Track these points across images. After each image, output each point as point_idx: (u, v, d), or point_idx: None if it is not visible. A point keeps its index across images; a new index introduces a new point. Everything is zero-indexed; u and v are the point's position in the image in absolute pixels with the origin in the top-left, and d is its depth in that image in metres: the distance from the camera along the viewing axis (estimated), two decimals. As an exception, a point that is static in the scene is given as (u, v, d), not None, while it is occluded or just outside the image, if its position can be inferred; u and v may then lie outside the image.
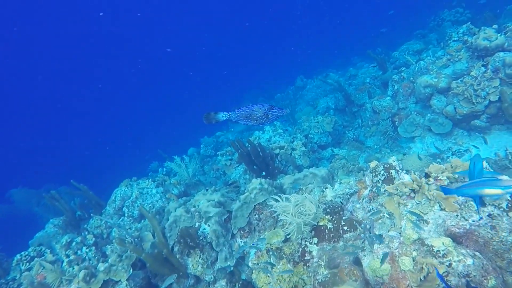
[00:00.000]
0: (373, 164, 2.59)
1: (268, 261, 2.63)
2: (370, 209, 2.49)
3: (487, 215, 1.88)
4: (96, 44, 24.06)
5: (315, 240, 2.55)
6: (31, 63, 22.53)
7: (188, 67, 24.36)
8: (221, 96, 18.53)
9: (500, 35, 4.06)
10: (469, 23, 4.89)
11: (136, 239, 3.21)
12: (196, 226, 3.18)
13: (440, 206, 2.09)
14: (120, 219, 4.09)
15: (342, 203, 2.81)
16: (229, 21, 26.46)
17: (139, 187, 4.35)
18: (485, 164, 2.10)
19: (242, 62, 22.84)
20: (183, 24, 28.56)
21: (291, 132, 5.78)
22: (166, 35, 27.51)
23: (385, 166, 2.48)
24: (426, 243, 1.93)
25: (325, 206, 2.72)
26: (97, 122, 21.32)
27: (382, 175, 2.45)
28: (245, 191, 3.24)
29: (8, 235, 5.44)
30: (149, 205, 4.15)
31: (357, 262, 2.26)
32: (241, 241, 3.17)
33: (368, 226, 2.40)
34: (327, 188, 3.05)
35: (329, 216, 2.63)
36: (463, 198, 2.02)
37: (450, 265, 1.76)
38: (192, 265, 3.00)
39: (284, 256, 2.63)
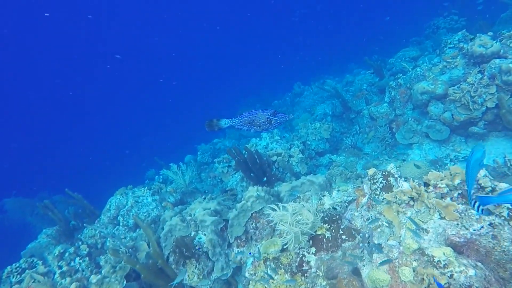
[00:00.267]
0: (371, 171, 2.55)
1: (266, 271, 2.57)
2: (369, 218, 2.44)
3: (488, 224, 1.84)
4: (97, 45, 24.12)
5: (313, 249, 2.50)
6: (24, 70, 22.51)
7: (185, 73, 24.44)
8: (217, 103, 18.53)
9: (496, 42, 4.07)
10: (464, 30, 4.92)
11: (130, 249, 3.14)
12: (192, 235, 3.12)
13: (440, 215, 2.06)
14: (115, 229, 4.01)
15: (340, 211, 2.77)
16: (227, 27, 26.62)
17: (134, 195, 4.29)
18: (484, 171, 2.07)
19: (239, 68, 22.92)
20: (180, 30, 28.70)
21: (289, 139, 5.75)
22: (164, 40, 27.61)
23: (384, 173, 2.44)
24: (426, 253, 1.89)
25: (323, 215, 2.67)
26: (94, 129, 21.22)
27: (381, 182, 2.42)
28: (242, 199, 3.19)
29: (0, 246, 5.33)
30: (145, 214, 4.08)
31: (356, 272, 2.20)
32: (237, 251, 3.11)
33: (367, 235, 2.36)
34: (325, 195, 3.01)
35: (327, 225, 2.58)
36: (463, 206, 1.99)
37: (451, 276, 1.71)
38: (188, 275, 2.94)
39: (282, 266, 2.58)
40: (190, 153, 8.53)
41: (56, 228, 4.08)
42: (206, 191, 4.80)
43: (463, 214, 1.97)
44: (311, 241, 2.55)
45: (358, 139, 5.88)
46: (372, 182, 2.48)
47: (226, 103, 17.22)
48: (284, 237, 2.53)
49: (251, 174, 4.18)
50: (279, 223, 2.55)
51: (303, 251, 2.53)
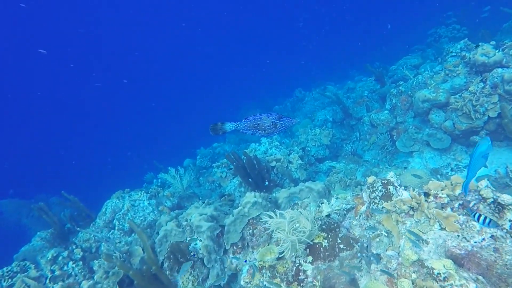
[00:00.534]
0: (370, 179, 2.51)
1: (261, 280, 2.51)
2: (368, 227, 2.39)
3: (490, 237, 1.79)
4: (97, 47, 24.22)
5: (310, 258, 2.44)
6: (23, 71, 22.61)
7: (186, 77, 24.51)
8: (217, 108, 18.53)
9: (498, 51, 4.04)
10: (467, 39, 4.90)
11: (124, 254, 3.09)
12: (188, 241, 3.07)
13: (440, 225, 2.01)
14: (110, 233, 3.96)
15: (338, 219, 2.72)
16: (228, 31, 26.74)
17: (131, 199, 4.24)
18: (486, 182, 2.02)
19: (240, 73, 22.97)
20: (182, 33, 28.82)
21: (288, 145, 5.71)
22: (167, 44, 27.74)
23: (383, 181, 2.40)
24: (426, 264, 1.84)
25: (320, 223, 2.62)
26: (96, 131, 21.25)
27: (380, 191, 2.37)
28: (239, 204, 3.14)
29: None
30: (141, 218, 4.03)
31: (354, 283, 2.15)
32: (234, 257, 3.05)
33: (365, 245, 2.30)
34: (323, 203, 2.96)
35: (324, 233, 2.53)
36: (464, 217, 1.94)
37: (451, 289, 1.66)
38: (182, 282, 2.88)
39: (278, 274, 2.52)
40: (189, 157, 8.49)
41: (51, 231, 4.02)
42: (200, 198, 4.74)
43: (464, 226, 1.92)
44: (308, 250, 2.49)
45: (358, 146, 5.84)
46: (371, 190, 2.44)
47: (227, 108, 17.23)
48: (281, 245, 2.48)
49: (250, 179, 4.14)
50: (276, 230, 2.50)
51: (299, 259, 2.48)
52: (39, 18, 21.38)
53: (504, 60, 3.99)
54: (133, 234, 3.76)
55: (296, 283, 2.41)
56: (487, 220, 1.67)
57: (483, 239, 1.81)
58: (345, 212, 2.79)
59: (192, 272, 2.90)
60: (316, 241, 2.50)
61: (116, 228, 3.98)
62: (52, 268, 3.29)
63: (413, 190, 2.25)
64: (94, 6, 23.10)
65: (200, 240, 3.00)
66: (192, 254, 2.96)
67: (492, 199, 1.92)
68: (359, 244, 2.37)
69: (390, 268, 1.99)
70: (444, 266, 1.75)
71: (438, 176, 3.99)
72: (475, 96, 3.95)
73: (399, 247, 2.11)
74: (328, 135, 5.69)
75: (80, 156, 17.06)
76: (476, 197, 2.01)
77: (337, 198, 3.08)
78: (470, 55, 4.28)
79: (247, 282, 2.66)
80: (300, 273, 2.43)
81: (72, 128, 21.69)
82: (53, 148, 18.84)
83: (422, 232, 2.05)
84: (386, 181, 2.39)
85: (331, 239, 2.49)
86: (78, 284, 2.77)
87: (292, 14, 24.37)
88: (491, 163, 3.68)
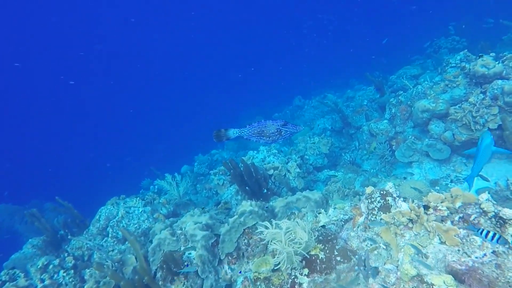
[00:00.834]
0: (369, 190, 2.46)
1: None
2: (365, 238, 2.33)
3: (491, 252, 1.74)
4: (98, 49, 24.31)
5: (306, 271, 2.37)
6: (23, 71, 22.64)
7: (186, 83, 24.56)
8: (217, 115, 18.50)
9: (498, 63, 4.03)
10: (466, 50, 4.90)
11: (116, 263, 3.01)
12: (182, 250, 2.99)
13: (440, 239, 1.95)
14: (103, 240, 3.88)
15: (336, 230, 2.66)
16: (228, 38, 26.87)
17: (126, 205, 4.17)
18: (487, 195, 1.97)
19: (240, 80, 23.03)
20: (182, 38, 28.96)
21: (286, 153, 5.66)
22: (166, 49, 27.86)
23: (382, 192, 2.35)
24: (425, 280, 1.78)
25: (317, 234, 2.56)
26: (95, 135, 21.19)
27: (378, 202, 2.32)
28: (235, 213, 3.08)
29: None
30: (135, 226, 3.95)
31: (351, 297, 2.08)
32: (228, 268, 2.98)
33: (363, 258, 2.24)
34: (320, 213, 2.90)
35: (321, 244, 2.46)
36: (465, 231, 1.88)
37: (452, 307, 1.60)
38: (175, 293, 2.80)
39: (273, 287, 2.45)
40: (187, 164, 8.44)
41: (43, 238, 3.92)
42: (196, 206, 4.68)
43: (464, 240, 1.86)
44: (304, 262, 2.42)
45: (357, 155, 5.79)
46: (369, 201, 2.39)
47: (227, 115, 17.22)
48: (277, 257, 2.41)
49: (247, 187, 4.08)
50: (272, 241, 2.44)
51: (295, 272, 2.41)
52: (39, 18, 21.49)
53: (504, 72, 3.98)
54: (126, 242, 3.68)
55: (292, 296, 2.34)
56: (496, 236, 1.61)
57: (485, 254, 1.75)
58: (343, 223, 2.73)
59: (186, 283, 2.83)
60: (312, 253, 2.43)
61: (110, 235, 3.89)
62: (42, 277, 3.19)
63: (412, 201, 2.20)
64: (94, 6, 23.23)
65: (195, 249, 2.93)
66: (186, 264, 2.89)
67: (493, 213, 1.87)
68: (356, 256, 2.31)
69: (389, 283, 1.93)
70: (444, 282, 1.69)
71: (437, 188, 3.94)
72: (475, 107, 3.93)
73: (398, 260, 2.05)
74: (327, 144, 5.65)
75: (78, 161, 16.98)
76: (477, 210, 1.96)
77: (334, 208, 3.03)
78: (470, 66, 4.27)
79: (241, 294, 2.59)
80: (296, 286, 2.36)
81: (70, 132, 21.63)
82: (50, 153, 18.77)
83: (421, 246, 2.00)
84: (384, 192, 2.34)
85: (328, 251, 2.42)
86: (67, 293, 2.69)
87: (295, 21, 24.49)
88: (491, 176, 3.63)
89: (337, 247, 2.45)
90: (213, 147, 9.11)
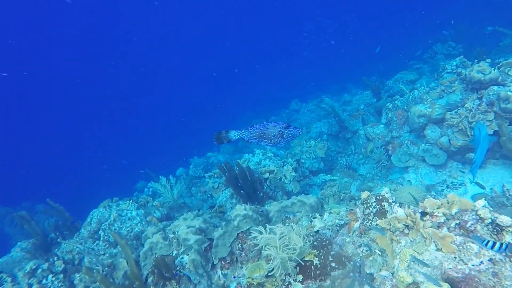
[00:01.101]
0: (364, 195, 2.43)
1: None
2: (361, 244, 2.30)
3: (488, 260, 1.70)
4: (100, 50, 24.19)
5: (300, 277, 2.32)
6: (22, 72, 22.47)
7: (184, 86, 24.52)
8: (214, 119, 18.45)
9: (494, 69, 4.04)
10: (462, 56, 4.92)
11: (107, 268, 2.94)
12: (174, 254, 2.93)
13: (436, 246, 1.92)
14: (95, 244, 3.79)
15: (331, 235, 2.62)
16: (227, 40, 26.90)
17: (118, 208, 4.09)
18: (484, 202, 1.94)
19: (236, 83, 23.01)
20: (181, 42, 28.96)
21: (282, 156, 5.63)
22: (164, 53, 27.84)
23: (377, 197, 2.32)
24: (421, 288, 1.74)
25: (312, 239, 2.52)
26: (91, 137, 21.05)
27: (374, 207, 2.29)
28: (228, 217, 3.03)
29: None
30: (127, 229, 3.88)
31: (345, 305, 2.04)
32: (221, 273, 2.92)
33: (358, 264, 2.20)
34: (315, 218, 2.86)
35: (316, 250, 2.42)
36: (461, 238, 1.85)
37: (448, 316, 1.56)
38: (166, 298, 2.73)
39: (266, 293, 2.40)
40: (183, 166, 8.36)
41: (32, 241, 3.82)
42: (190, 209, 4.61)
43: (461, 247, 1.83)
44: (298, 268, 2.38)
45: (353, 159, 5.77)
46: (365, 206, 2.35)
47: (223, 118, 17.18)
48: (271, 262, 2.37)
49: (241, 191, 4.03)
50: (266, 247, 2.39)
51: (289, 278, 2.36)
52: (39, 18, 21.38)
53: (500, 78, 3.98)
54: (118, 246, 3.60)
55: (285, 303, 2.29)
56: (504, 246, 1.57)
57: (481, 262, 1.72)
58: (338, 228, 2.69)
59: (177, 288, 2.77)
60: (307, 258, 2.39)
61: (101, 239, 3.81)
62: (30, 281, 3.11)
63: (408, 207, 2.16)
64: (97, 7, 23.18)
65: (187, 254, 2.87)
66: (178, 268, 2.83)
67: (490, 220, 1.84)
68: (351, 263, 2.27)
69: (384, 291, 1.89)
70: (440, 291, 1.65)
71: (433, 193, 3.92)
72: (471, 113, 3.93)
73: (393, 267, 2.02)
74: (323, 148, 5.62)
75: (72, 163, 16.83)
76: (474, 217, 1.93)
77: (330, 213, 2.99)
78: (466, 71, 4.28)
79: (234, 300, 2.54)
80: (290, 293, 2.31)
81: (65, 133, 21.47)
82: (44, 154, 18.59)
83: (417, 253, 1.96)
84: (380, 197, 2.30)
85: (322, 257, 2.38)
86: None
87: (293, 24, 24.56)
88: (487, 182, 3.62)
89: (332, 253, 2.41)
90: (209, 150, 9.04)
